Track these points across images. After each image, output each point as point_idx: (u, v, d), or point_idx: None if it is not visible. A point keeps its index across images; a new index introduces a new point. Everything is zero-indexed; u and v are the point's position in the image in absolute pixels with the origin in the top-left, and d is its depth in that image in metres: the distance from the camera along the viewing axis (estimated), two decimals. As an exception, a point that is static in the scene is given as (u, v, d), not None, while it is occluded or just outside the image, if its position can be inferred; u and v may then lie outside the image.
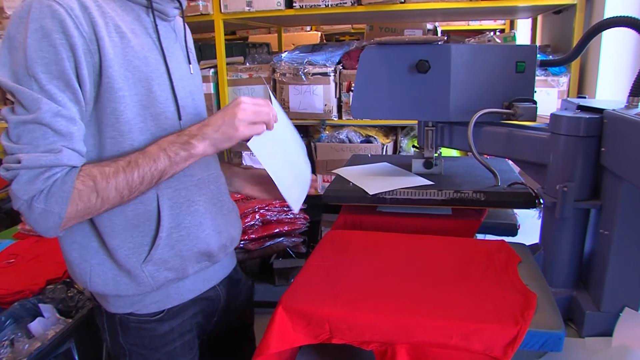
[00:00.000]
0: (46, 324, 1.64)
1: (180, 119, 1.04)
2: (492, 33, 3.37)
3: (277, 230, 2.37)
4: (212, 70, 2.61)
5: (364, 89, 1.40)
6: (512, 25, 3.97)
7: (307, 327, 0.93)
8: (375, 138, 2.55)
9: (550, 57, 2.29)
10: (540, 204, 1.28)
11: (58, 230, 0.90)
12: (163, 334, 1.11)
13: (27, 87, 0.86)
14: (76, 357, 1.58)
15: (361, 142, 2.55)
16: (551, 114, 1.16)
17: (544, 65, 1.42)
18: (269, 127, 0.99)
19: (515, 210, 1.62)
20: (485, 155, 1.87)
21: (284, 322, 0.94)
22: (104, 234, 1.01)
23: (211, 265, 1.16)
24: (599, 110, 1.10)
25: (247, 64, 2.66)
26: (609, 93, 2.12)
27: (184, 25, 1.18)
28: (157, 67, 1.00)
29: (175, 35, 1.10)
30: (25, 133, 0.86)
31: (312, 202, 2.61)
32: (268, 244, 2.37)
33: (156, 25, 1.03)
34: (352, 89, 1.37)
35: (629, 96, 1.13)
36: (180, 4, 1.09)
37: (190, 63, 1.13)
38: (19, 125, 0.87)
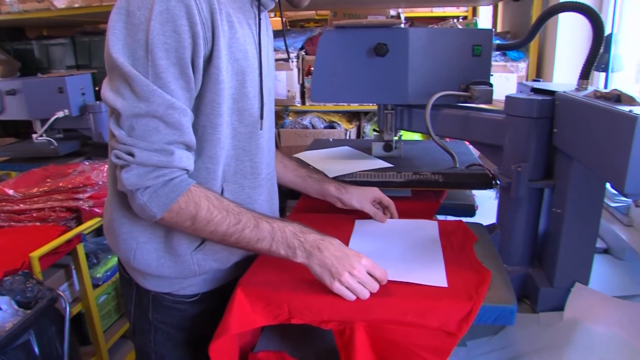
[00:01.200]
0: (4, 317, 1.60)
1: (262, 117, 1.04)
2: (454, 20, 3.41)
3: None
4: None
5: (323, 72, 1.40)
6: (474, 12, 4.01)
7: (266, 308, 0.94)
8: (338, 124, 2.57)
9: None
10: (497, 184, 1.30)
11: (152, 222, 0.94)
12: (193, 315, 1.11)
13: (143, 72, 0.84)
14: (35, 349, 1.55)
15: (324, 127, 2.56)
16: (506, 96, 1.19)
17: (500, 49, 1.44)
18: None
19: (474, 192, 1.66)
20: (447, 139, 1.90)
21: (243, 304, 0.94)
22: None
23: (248, 255, 1.15)
24: (552, 93, 1.12)
25: (210, 50, 2.62)
26: (566, 77, 2.18)
27: (280, 14, 1.18)
28: (252, 61, 0.99)
29: (266, 28, 1.08)
30: (138, 126, 0.86)
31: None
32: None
33: (259, 19, 1.01)
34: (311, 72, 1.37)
35: (579, 79, 1.17)
36: None
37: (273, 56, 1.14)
38: (131, 117, 0.86)
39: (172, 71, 0.86)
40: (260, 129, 1.05)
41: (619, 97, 0.88)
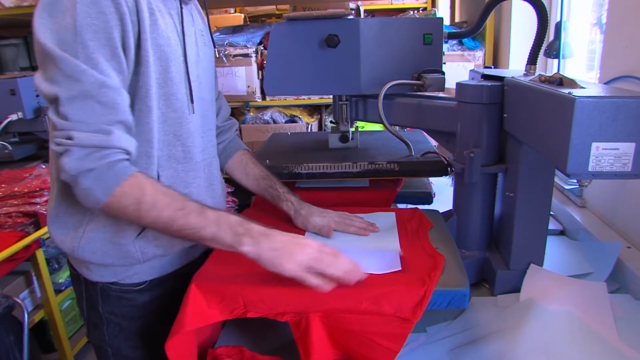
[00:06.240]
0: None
1: (192, 102, 1.07)
2: (413, 11, 3.44)
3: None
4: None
5: (276, 65, 1.39)
6: (433, 3, 4.06)
7: (222, 303, 0.93)
8: (299, 117, 2.56)
9: (464, 31, 2.35)
10: (453, 171, 1.32)
11: (98, 208, 0.91)
12: (143, 304, 1.11)
13: (73, 55, 0.85)
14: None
15: (286, 122, 2.56)
16: (457, 83, 1.20)
17: (451, 37, 1.46)
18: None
19: (431, 179, 1.68)
20: (407, 128, 1.92)
21: (198, 300, 0.93)
22: None
23: (194, 244, 1.15)
24: (501, 79, 1.14)
25: (167, 48, 2.59)
26: (521, 65, 2.21)
27: (204, 8, 1.20)
28: (176, 49, 1.01)
29: (192, 19, 1.10)
30: (75, 109, 0.86)
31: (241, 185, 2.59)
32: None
33: (182, 8, 1.04)
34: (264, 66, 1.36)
35: (526, 64, 1.19)
36: None
37: (203, 46, 1.14)
38: (67, 100, 0.86)
39: (103, 52, 0.87)
40: (191, 114, 1.07)
41: (561, 81, 0.90)
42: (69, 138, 0.86)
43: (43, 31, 0.85)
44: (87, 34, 0.85)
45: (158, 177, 1.03)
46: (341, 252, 0.93)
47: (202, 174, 1.14)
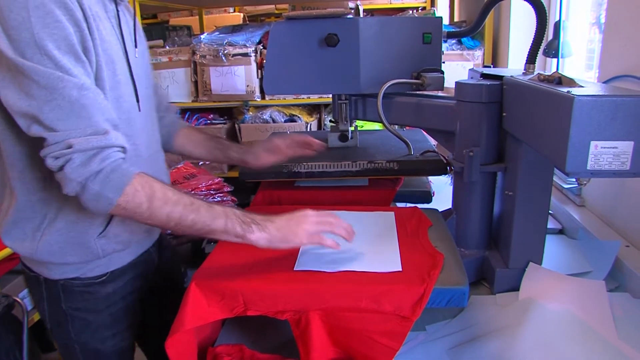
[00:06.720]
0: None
1: (138, 101, 1.07)
2: (412, 11, 3.45)
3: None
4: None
5: (275, 64, 1.40)
6: (432, 2, 4.06)
7: (222, 302, 0.93)
8: (299, 117, 2.56)
9: (463, 31, 2.34)
10: (452, 170, 1.32)
11: (107, 213, 0.92)
12: (106, 295, 1.12)
13: (42, 66, 0.84)
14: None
15: (285, 121, 2.56)
16: (456, 82, 1.20)
17: (450, 36, 1.46)
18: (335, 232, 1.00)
19: (430, 178, 1.68)
20: (407, 127, 1.92)
21: (198, 298, 0.93)
22: (65, 205, 1.00)
23: (148, 236, 1.19)
24: (500, 78, 1.14)
25: (167, 47, 2.60)
26: (520, 64, 2.21)
27: (134, 7, 1.18)
28: (117, 51, 1.01)
29: (126, 20, 1.10)
30: (61, 118, 0.86)
31: (240, 185, 2.60)
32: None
33: (118, 11, 1.04)
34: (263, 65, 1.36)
35: (525, 63, 1.19)
36: None
37: (136, 47, 1.12)
38: (50, 112, 0.85)
39: (69, 59, 0.87)
40: (138, 113, 1.07)
41: (560, 80, 0.90)
42: (68, 146, 0.86)
43: (5, 47, 0.84)
44: (49, 44, 0.84)
45: None
46: (334, 214, 1.02)
47: (150, 170, 1.10)
